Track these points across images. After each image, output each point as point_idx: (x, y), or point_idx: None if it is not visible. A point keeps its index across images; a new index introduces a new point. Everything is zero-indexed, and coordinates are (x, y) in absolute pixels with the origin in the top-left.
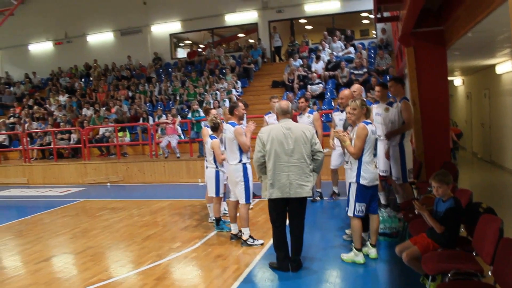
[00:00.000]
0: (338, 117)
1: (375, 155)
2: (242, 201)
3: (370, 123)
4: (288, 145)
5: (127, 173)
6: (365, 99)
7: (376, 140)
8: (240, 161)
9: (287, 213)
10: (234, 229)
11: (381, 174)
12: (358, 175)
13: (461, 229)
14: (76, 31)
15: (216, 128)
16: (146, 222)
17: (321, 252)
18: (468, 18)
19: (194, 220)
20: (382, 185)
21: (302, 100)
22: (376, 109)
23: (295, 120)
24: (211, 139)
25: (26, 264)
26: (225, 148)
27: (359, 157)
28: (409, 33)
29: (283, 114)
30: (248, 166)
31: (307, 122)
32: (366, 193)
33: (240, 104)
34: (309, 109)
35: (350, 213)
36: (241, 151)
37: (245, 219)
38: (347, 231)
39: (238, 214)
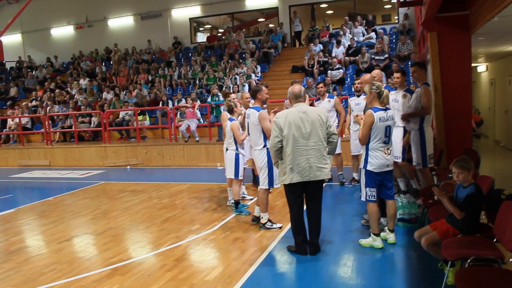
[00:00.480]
0: (354, 102)
1: (386, 142)
2: (265, 185)
3: (382, 109)
4: (305, 129)
5: (147, 156)
6: (379, 84)
7: (388, 127)
8: (265, 146)
9: (305, 197)
10: (257, 211)
11: (395, 160)
12: (366, 161)
13: (482, 215)
14: (97, 15)
15: (231, 110)
16: (165, 205)
17: (339, 236)
18: (495, 2)
19: (213, 203)
20: (401, 172)
21: (321, 85)
22: (393, 95)
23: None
24: (230, 121)
25: (49, 243)
26: (248, 133)
27: (365, 143)
28: (433, 18)
29: (295, 98)
30: None
31: (327, 107)
32: (374, 179)
33: (264, 88)
34: (328, 94)
35: (362, 198)
36: (265, 136)
37: (264, 204)
38: (365, 216)
39: (256, 198)
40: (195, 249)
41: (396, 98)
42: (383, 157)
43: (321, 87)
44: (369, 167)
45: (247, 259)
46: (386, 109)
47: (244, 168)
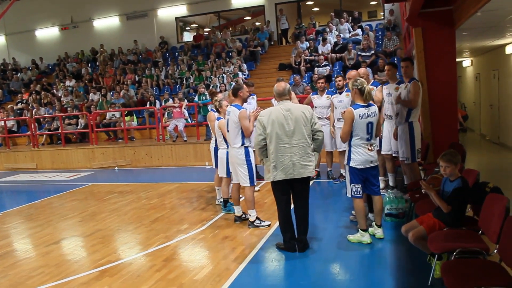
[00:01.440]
0: (337, 99)
1: (368, 139)
2: (247, 184)
3: (364, 106)
4: (288, 126)
5: (135, 157)
6: (362, 81)
7: (369, 123)
8: (243, 144)
9: (292, 195)
10: (238, 211)
11: (394, 155)
12: (349, 157)
13: (468, 209)
14: (82, 16)
15: (218, 110)
16: (153, 205)
17: (328, 232)
18: None
19: (202, 203)
20: (391, 167)
21: (322, 80)
22: (387, 89)
23: (307, 101)
24: (218, 120)
25: (36, 246)
26: (228, 131)
27: (347, 141)
28: (417, 13)
29: (279, 96)
30: (250, 149)
31: (326, 104)
32: (358, 175)
33: (245, 86)
34: (326, 90)
35: (348, 194)
36: (243, 134)
37: (250, 201)
38: (353, 212)
39: (242, 197)
40: (184, 248)
41: (389, 92)
42: (366, 153)
43: (322, 83)
44: (352, 164)
45: (236, 257)
46: (368, 106)
47: None
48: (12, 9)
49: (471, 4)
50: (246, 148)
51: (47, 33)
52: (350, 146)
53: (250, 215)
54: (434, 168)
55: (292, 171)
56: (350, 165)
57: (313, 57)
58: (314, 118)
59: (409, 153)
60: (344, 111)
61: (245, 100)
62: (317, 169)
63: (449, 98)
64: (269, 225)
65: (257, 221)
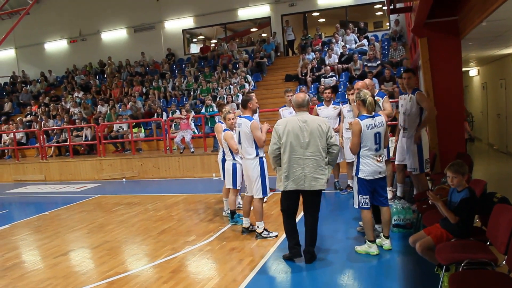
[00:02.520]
0: (346, 109)
1: (377, 149)
2: (259, 195)
3: (370, 117)
4: (303, 138)
5: (142, 169)
6: (365, 92)
7: (377, 134)
8: (257, 155)
9: (303, 205)
10: (246, 223)
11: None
12: (357, 169)
13: (475, 219)
14: (90, 29)
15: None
16: (161, 217)
17: (335, 243)
18: (483, 7)
19: (209, 214)
20: (402, 177)
21: (329, 91)
22: (402, 100)
23: (314, 113)
24: (224, 132)
25: (44, 258)
26: (239, 143)
27: (356, 152)
28: (423, 24)
29: (297, 107)
30: (264, 160)
31: (333, 114)
32: (366, 186)
33: (254, 97)
34: (333, 101)
35: (355, 206)
36: (257, 145)
37: (259, 213)
38: (360, 223)
39: (252, 208)
40: (191, 260)
41: (403, 103)
42: (374, 164)
43: (328, 93)
44: (360, 175)
45: (243, 269)
46: (374, 116)
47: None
48: (22, 23)
49: (476, 14)
50: (261, 159)
51: (56, 46)
52: (358, 157)
53: (258, 227)
54: (441, 178)
55: (303, 183)
56: (359, 176)
57: (319, 67)
58: (331, 132)
59: (417, 164)
60: (351, 122)
61: (255, 111)
62: (336, 180)
63: (455, 108)
64: (276, 236)
65: (265, 232)
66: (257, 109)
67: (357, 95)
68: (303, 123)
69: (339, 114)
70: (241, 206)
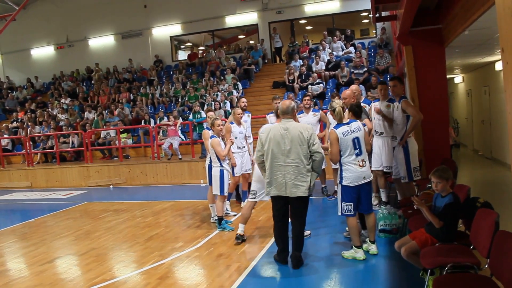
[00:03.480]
0: (331, 117)
1: (358, 154)
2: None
3: (345, 124)
4: (284, 145)
5: (130, 175)
6: (336, 102)
7: (355, 139)
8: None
9: (290, 211)
10: (241, 230)
11: (385, 170)
12: (341, 176)
13: (459, 224)
14: (77, 35)
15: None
16: (148, 223)
17: (322, 249)
18: (465, 16)
19: (196, 220)
20: (383, 183)
21: (307, 98)
22: (378, 106)
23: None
24: (211, 139)
25: (30, 266)
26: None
27: (337, 161)
28: (407, 32)
29: (282, 114)
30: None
31: (312, 121)
32: (351, 193)
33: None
34: (312, 108)
35: (338, 213)
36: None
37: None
38: (347, 228)
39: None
40: (179, 266)
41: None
42: (357, 170)
43: (307, 100)
44: (344, 182)
45: (231, 275)
46: (349, 123)
47: (229, 184)
48: (8, 28)
49: (459, 23)
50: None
51: (43, 52)
52: (341, 165)
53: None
54: (426, 184)
55: (285, 190)
56: (343, 183)
57: (306, 74)
58: (313, 139)
59: (405, 172)
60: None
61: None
62: (324, 186)
63: (440, 115)
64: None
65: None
66: (250, 114)
67: (329, 108)
68: (284, 130)
69: (319, 120)
70: (229, 212)
